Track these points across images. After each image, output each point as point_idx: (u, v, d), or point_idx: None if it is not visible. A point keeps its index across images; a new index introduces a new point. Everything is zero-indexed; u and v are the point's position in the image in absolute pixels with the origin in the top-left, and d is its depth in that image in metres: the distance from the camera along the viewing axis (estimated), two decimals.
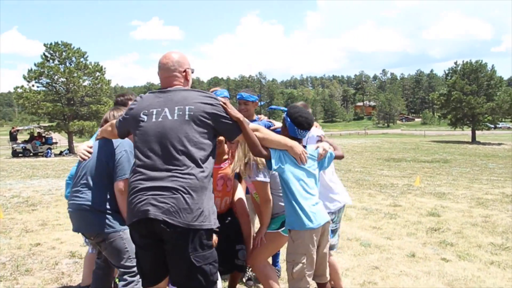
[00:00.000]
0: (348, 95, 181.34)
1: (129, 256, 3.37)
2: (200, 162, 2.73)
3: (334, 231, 4.14)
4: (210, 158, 2.84)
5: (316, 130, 3.91)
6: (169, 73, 2.98)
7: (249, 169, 3.70)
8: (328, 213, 3.91)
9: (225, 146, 4.16)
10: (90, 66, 36.72)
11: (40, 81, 35.80)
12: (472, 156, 26.10)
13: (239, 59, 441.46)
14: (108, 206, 3.47)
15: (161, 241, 2.70)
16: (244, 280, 4.86)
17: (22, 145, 32.32)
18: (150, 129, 2.80)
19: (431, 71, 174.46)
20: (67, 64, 36.08)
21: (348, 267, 5.31)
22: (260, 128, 3.25)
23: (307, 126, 3.45)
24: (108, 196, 3.48)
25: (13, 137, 33.05)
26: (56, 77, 35.44)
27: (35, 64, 35.53)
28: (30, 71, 35.34)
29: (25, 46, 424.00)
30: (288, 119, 3.42)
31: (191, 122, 2.76)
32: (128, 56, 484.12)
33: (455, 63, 57.10)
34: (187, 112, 2.78)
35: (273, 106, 3.79)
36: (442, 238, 6.65)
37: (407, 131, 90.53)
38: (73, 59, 36.18)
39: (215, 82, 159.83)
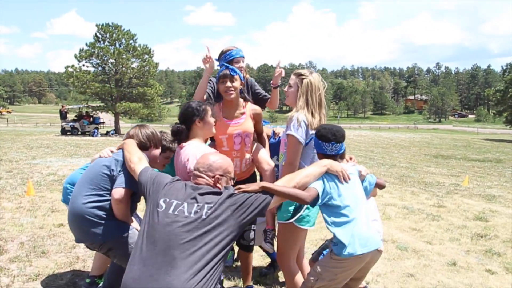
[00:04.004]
0: (399, 87, 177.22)
1: None
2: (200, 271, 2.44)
3: None
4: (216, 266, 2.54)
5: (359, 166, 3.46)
6: (196, 173, 2.88)
7: None
8: None
9: (240, 99, 3.91)
10: (138, 49, 37.11)
11: (91, 61, 36.51)
12: None
13: (290, 47, 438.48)
14: (107, 214, 3.26)
15: None
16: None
17: (70, 123, 33.01)
18: (162, 221, 2.59)
19: (488, 66, 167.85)
20: (117, 45, 36.64)
21: (380, 273, 4.85)
22: (288, 178, 2.96)
23: (332, 138, 3.09)
24: (107, 203, 3.26)
25: (63, 116, 33.76)
26: (106, 58, 36.06)
27: (86, 44, 36.24)
28: (81, 50, 36.03)
29: (83, 28, 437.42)
30: (314, 137, 3.14)
31: (208, 221, 2.55)
32: (180, 40, 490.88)
33: None
34: (204, 210, 2.58)
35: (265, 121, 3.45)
36: (489, 246, 6.05)
37: (459, 127, 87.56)
38: (123, 40, 36.67)
39: (265, 69, 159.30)
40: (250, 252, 4.04)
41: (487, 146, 33.78)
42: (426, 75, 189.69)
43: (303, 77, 3.45)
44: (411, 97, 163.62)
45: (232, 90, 3.73)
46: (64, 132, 32.27)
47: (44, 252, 5.14)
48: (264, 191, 2.77)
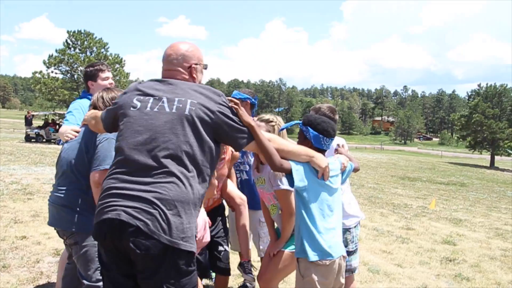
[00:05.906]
0: (367, 108, 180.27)
1: (98, 267, 2.91)
2: (198, 169, 2.28)
3: (353, 252, 3.70)
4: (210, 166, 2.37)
5: (336, 138, 3.37)
6: (170, 67, 2.54)
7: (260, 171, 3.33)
8: (345, 229, 3.50)
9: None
10: (110, 58, 36.75)
11: (60, 68, 35.90)
12: (490, 182, 25.28)
13: (261, 64, 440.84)
14: (85, 204, 3.11)
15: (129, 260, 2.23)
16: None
17: (35, 130, 32.13)
18: (141, 118, 2.33)
19: (453, 91, 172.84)
20: (88, 53, 36.17)
21: None
22: (274, 137, 2.76)
23: (333, 133, 2.93)
24: (85, 193, 3.12)
25: (28, 122, 32.85)
26: (76, 65, 35.51)
27: (56, 51, 35.64)
28: (50, 57, 35.44)
29: (53, 33, 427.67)
30: (310, 129, 2.88)
31: (191, 118, 2.29)
32: (152, 51, 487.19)
33: (479, 85, 56.35)
34: (188, 106, 2.31)
35: (285, 125, 3.31)
36: (458, 270, 6.10)
37: (424, 150, 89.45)
38: (94, 49, 36.31)
39: (235, 84, 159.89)
40: (228, 275, 3.91)
41: (451, 169, 34.56)
42: (393, 97, 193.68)
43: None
44: (378, 118, 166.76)
45: None
46: (28, 138, 31.35)
47: (5, 267, 4.89)
48: (249, 129, 2.49)
